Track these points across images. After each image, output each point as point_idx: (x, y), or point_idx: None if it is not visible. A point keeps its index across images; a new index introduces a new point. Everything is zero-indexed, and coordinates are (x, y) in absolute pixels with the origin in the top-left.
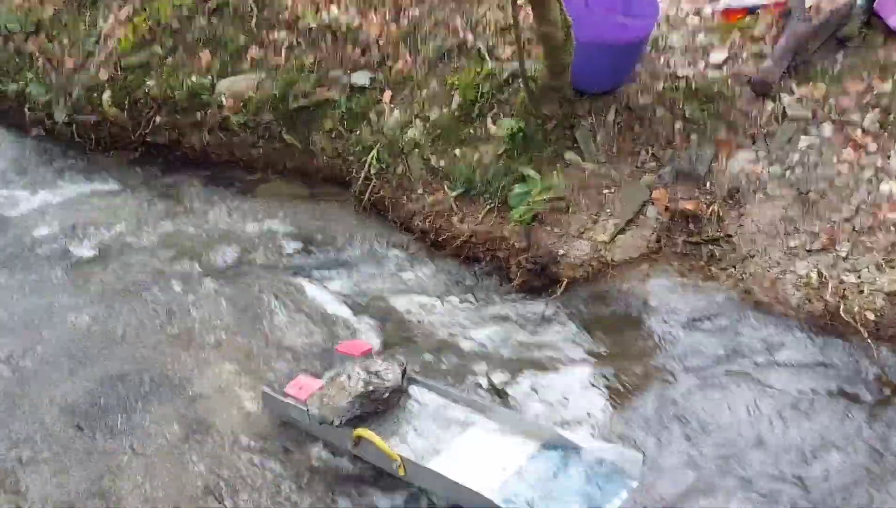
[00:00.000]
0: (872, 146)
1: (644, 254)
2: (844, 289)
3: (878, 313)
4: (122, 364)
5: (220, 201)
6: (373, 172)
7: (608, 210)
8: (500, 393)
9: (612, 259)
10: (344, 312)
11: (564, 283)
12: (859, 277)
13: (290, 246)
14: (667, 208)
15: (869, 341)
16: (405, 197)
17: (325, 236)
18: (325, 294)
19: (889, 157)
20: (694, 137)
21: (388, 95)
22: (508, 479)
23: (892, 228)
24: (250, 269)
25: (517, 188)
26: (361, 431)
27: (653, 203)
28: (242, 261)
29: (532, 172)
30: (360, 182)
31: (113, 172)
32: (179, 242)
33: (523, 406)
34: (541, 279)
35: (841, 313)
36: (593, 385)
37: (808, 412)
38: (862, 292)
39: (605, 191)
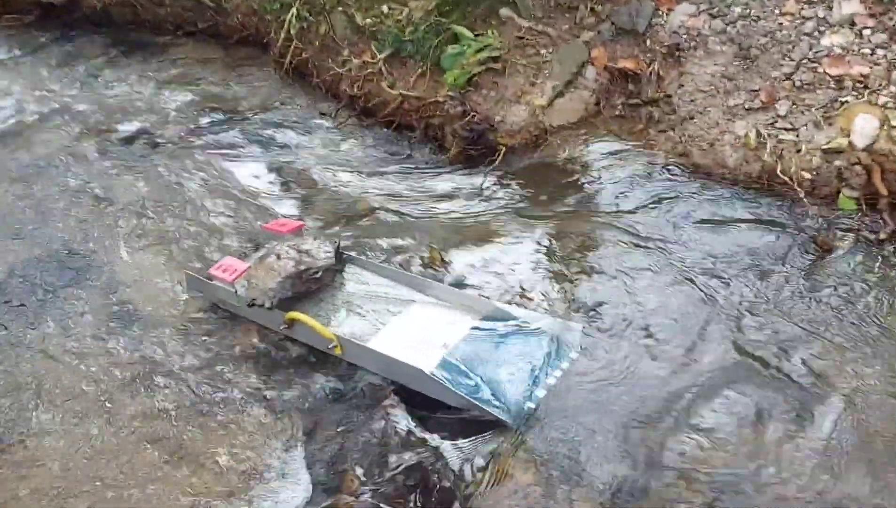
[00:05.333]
0: None
1: (583, 118)
2: (782, 148)
3: (814, 172)
4: (39, 248)
5: (127, 66)
6: (293, 32)
7: (546, 71)
8: (439, 269)
9: (551, 124)
10: (270, 188)
11: (502, 152)
12: (797, 135)
13: (207, 117)
14: (606, 68)
15: (805, 200)
16: (330, 59)
17: (246, 105)
18: (248, 169)
19: (831, 7)
20: None
21: None
22: (448, 354)
23: (833, 84)
24: (165, 143)
25: (450, 49)
26: (294, 314)
27: (591, 63)
28: (157, 134)
29: (465, 31)
30: (279, 43)
31: (8, 38)
32: (87, 113)
33: (464, 281)
34: (477, 148)
35: (778, 172)
36: (534, 255)
37: (742, 270)
38: (799, 151)
39: (543, 50)
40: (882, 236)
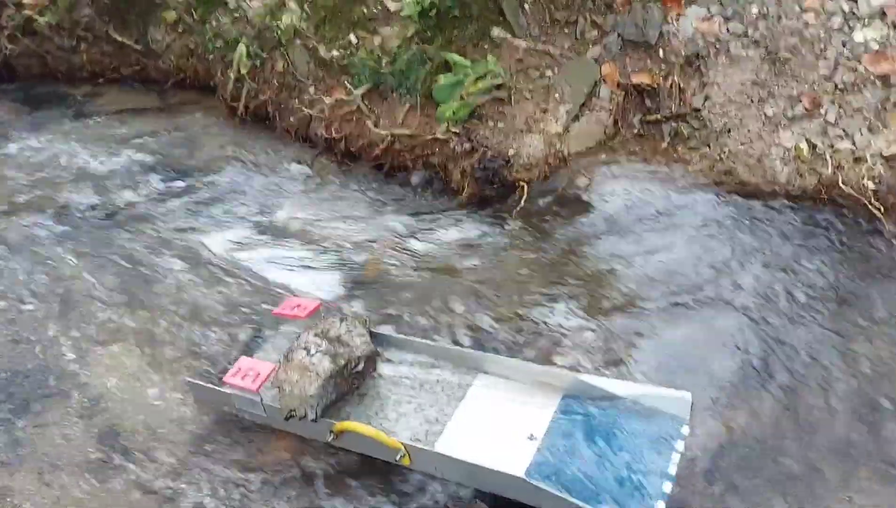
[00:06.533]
0: None
1: (601, 141)
2: (840, 159)
3: (878, 182)
4: None
5: (44, 125)
6: (244, 71)
7: (556, 95)
8: (484, 338)
9: (569, 152)
10: (255, 258)
11: (525, 190)
12: (853, 143)
13: (158, 177)
14: (619, 85)
15: (878, 214)
16: (296, 100)
17: (201, 158)
18: (224, 237)
19: None
20: None
21: None
22: (541, 448)
23: (879, 83)
24: (114, 216)
25: (443, 79)
26: (345, 424)
27: (604, 81)
28: (101, 206)
29: (458, 58)
30: (230, 86)
31: None
32: (8, 187)
33: (519, 350)
34: (492, 187)
35: (841, 185)
36: (580, 311)
37: (826, 306)
38: (858, 159)
39: (548, 72)
40: None
